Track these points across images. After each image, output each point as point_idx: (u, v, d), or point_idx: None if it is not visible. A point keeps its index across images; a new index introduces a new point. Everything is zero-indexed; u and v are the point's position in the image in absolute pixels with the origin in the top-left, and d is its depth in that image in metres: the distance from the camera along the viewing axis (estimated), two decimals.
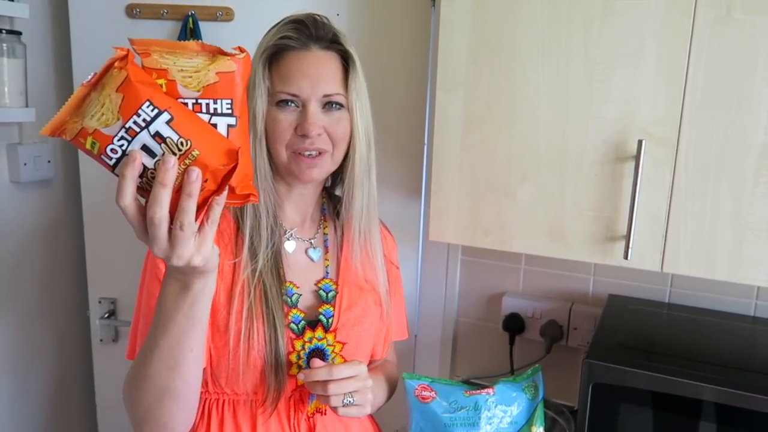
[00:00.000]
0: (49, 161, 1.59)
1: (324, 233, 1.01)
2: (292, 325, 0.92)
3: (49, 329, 1.67)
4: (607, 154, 1.05)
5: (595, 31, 1.03)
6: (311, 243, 0.99)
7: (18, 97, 1.43)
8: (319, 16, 0.92)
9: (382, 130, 1.49)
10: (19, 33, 1.43)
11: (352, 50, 0.93)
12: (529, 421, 1.01)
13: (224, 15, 1.45)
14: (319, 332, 0.93)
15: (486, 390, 0.99)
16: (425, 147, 1.47)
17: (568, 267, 1.40)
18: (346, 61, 0.92)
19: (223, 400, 0.92)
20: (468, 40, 1.13)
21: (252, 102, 0.88)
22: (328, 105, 0.90)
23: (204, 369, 0.86)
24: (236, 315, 0.87)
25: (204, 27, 1.45)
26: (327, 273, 0.99)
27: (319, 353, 0.93)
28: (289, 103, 0.89)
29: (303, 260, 0.98)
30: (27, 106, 1.47)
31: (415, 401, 1.00)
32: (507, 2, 1.08)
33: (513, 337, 1.44)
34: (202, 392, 0.89)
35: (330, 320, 0.95)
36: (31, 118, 1.49)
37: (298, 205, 0.98)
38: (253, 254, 0.89)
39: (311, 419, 0.95)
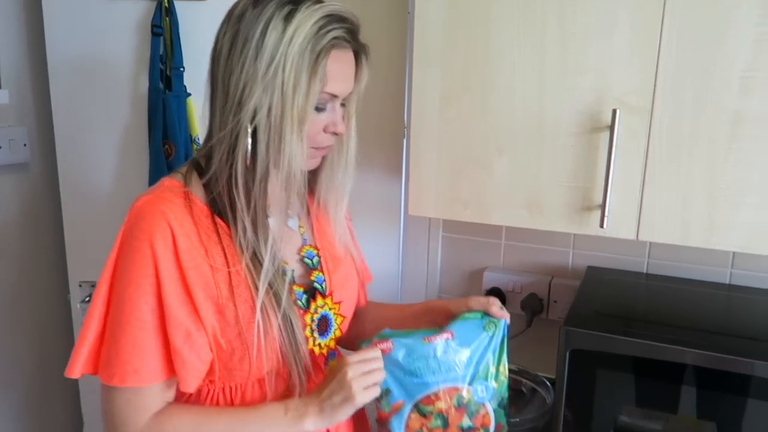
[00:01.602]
0: (25, 144, 1.57)
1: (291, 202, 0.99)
2: (299, 302, 0.91)
3: (30, 314, 1.66)
4: (582, 124, 1.06)
5: (570, 1, 1.03)
6: (287, 213, 0.97)
7: None
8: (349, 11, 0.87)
9: (363, 109, 1.50)
10: None
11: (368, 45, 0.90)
12: (493, 360, 0.96)
13: None
14: (320, 300, 0.94)
15: (444, 335, 0.94)
16: (405, 123, 1.47)
17: (548, 241, 1.42)
18: (355, 55, 0.89)
19: (230, 387, 0.88)
20: (444, 14, 1.12)
21: (298, 97, 0.80)
22: (341, 105, 0.89)
23: (211, 362, 0.84)
24: (244, 306, 0.83)
25: (179, 6, 1.43)
26: (305, 240, 0.98)
27: (325, 320, 0.94)
28: (327, 105, 0.86)
29: (284, 232, 0.95)
30: (0, 88, 1.45)
31: None
32: None
33: None
34: (207, 383, 0.87)
35: (323, 285, 0.95)
36: (5, 101, 1.47)
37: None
38: (247, 243, 0.84)
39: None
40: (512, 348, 1.43)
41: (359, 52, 0.89)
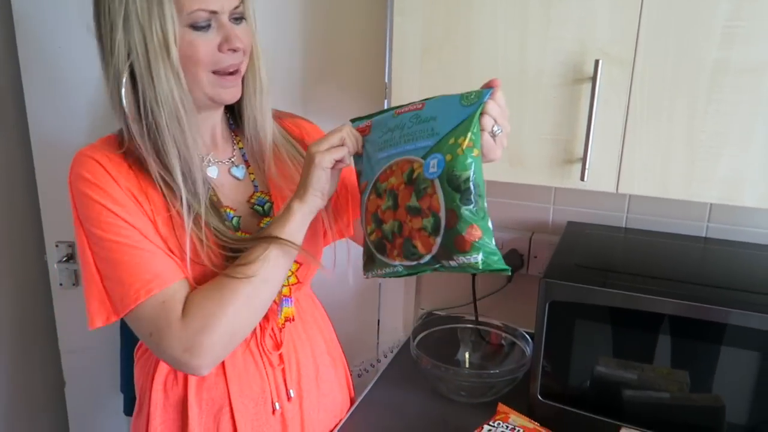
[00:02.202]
0: None
1: (240, 148, 0.98)
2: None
3: (7, 276, 1.63)
4: (564, 76, 1.05)
5: None
6: (232, 162, 0.96)
7: None
8: None
9: (342, 61, 1.47)
10: None
11: None
12: (455, 132, 0.77)
13: None
14: None
15: (415, 106, 0.84)
16: (387, 77, 1.45)
17: (529, 197, 1.42)
18: None
19: None
20: None
21: (155, 26, 0.77)
22: (235, 19, 0.85)
23: None
24: (182, 256, 0.84)
25: None
26: (256, 187, 0.97)
27: None
28: (210, 22, 0.81)
29: (229, 181, 0.95)
30: None
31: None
32: None
33: None
34: None
35: None
36: None
37: (206, 129, 0.93)
38: (178, 193, 0.84)
39: (278, 333, 0.96)
40: (492, 303, 1.47)
41: None
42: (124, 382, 1.60)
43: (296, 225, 0.85)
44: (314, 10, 1.44)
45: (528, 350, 1.25)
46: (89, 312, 0.85)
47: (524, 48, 1.06)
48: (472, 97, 0.78)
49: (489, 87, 0.79)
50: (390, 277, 0.85)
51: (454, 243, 0.76)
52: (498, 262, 0.77)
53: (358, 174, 0.89)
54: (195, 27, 0.81)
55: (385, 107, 1.41)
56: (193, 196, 0.84)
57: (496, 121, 0.78)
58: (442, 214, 0.76)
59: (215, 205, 0.89)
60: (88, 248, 0.84)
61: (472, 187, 0.75)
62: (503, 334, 1.33)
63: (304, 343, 1.00)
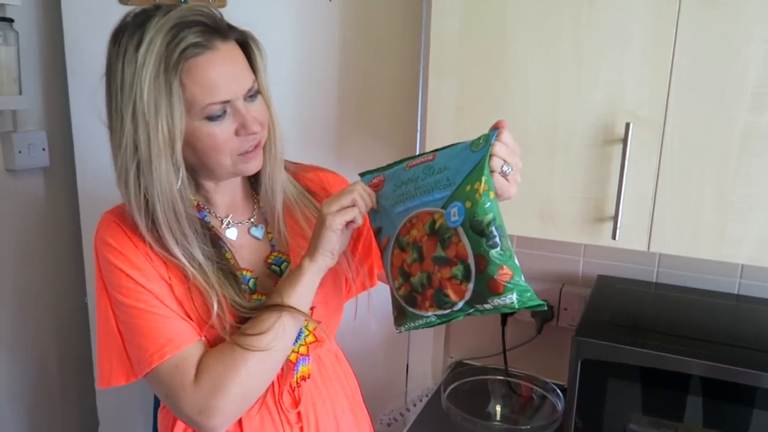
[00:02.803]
0: (43, 149, 1.60)
1: (260, 208, 0.99)
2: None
3: (48, 316, 1.69)
4: (595, 136, 1.07)
5: (585, 14, 1.05)
6: (252, 222, 0.98)
7: (12, 85, 1.44)
8: (204, 6, 0.83)
9: (375, 116, 1.52)
10: (11, 20, 1.43)
11: (247, 29, 0.87)
12: (470, 179, 0.78)
13: (216, 0, 1.46)
14: None
15: (426, 158, 0.84)
16: (418, 133, 1.49)
17: (559, 249, 1.43)
18: (241, 44, 0.86)
19: None
20: (460, 25, 1.14)
21: (161, 123, 0.78)
22: (250, 97, 0.86)
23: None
24: (198, 320, 0.87)
25: None
26: (274, 246, 0.98)
27: None
28: (225, 113, 0.83)
29: (248, 242, 0.96)
30: (20, 93, 1.47)
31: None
32: None
33: (505, 317, 1.47)
34: None
35: None
36: (25, 106, 1.50)
37: (226, 193, 0.95)
38: (191, 259, 0.86)
39: (295, 390, 0.95)
40: (522, 353, 1.47)
41: (238, 39, 0.85)
42: (156, 424, 1.62)
43: (306, 284, 0.87)
44: (350, 62, 1.50)
45: (558, 404, 1.24)
46: (101, 370, 0.88)
47: (556, 109, 1.09)
48: (480, 142, 0.80)
49: (495, 128, 0.80)
50: (423, 327, 0.86)
51: (487, 286, 0.76)
52: (532, 298, 0.77)
53: (376, 231, 0.90)
54: (211, 118, 0.82)
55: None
56: (202, 274, 0.86)
57: (505, 161, 0.79)
58: (471, 260, 0.77)
59: (231, 271, 0.90)
60: (110, 310, 0.87)
61: (495, 230, 0.76)
62: (534, 387, 1.33)
63: (325, 400, 0.99)
